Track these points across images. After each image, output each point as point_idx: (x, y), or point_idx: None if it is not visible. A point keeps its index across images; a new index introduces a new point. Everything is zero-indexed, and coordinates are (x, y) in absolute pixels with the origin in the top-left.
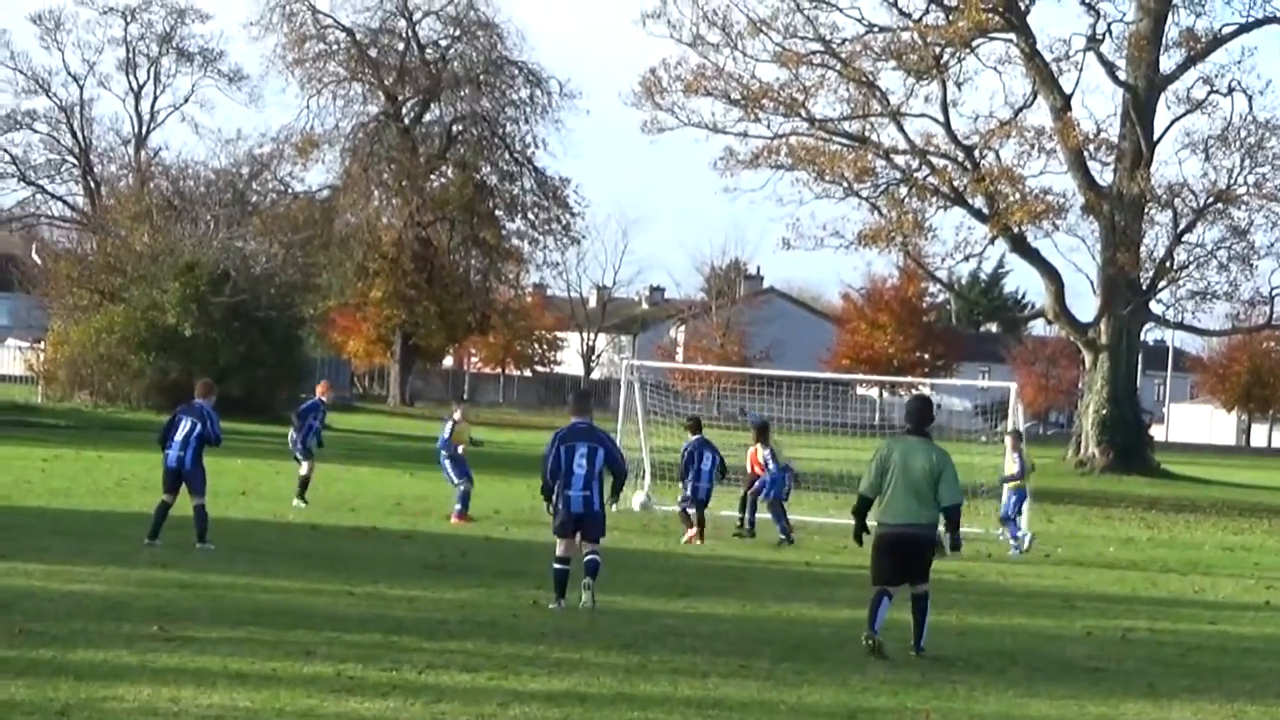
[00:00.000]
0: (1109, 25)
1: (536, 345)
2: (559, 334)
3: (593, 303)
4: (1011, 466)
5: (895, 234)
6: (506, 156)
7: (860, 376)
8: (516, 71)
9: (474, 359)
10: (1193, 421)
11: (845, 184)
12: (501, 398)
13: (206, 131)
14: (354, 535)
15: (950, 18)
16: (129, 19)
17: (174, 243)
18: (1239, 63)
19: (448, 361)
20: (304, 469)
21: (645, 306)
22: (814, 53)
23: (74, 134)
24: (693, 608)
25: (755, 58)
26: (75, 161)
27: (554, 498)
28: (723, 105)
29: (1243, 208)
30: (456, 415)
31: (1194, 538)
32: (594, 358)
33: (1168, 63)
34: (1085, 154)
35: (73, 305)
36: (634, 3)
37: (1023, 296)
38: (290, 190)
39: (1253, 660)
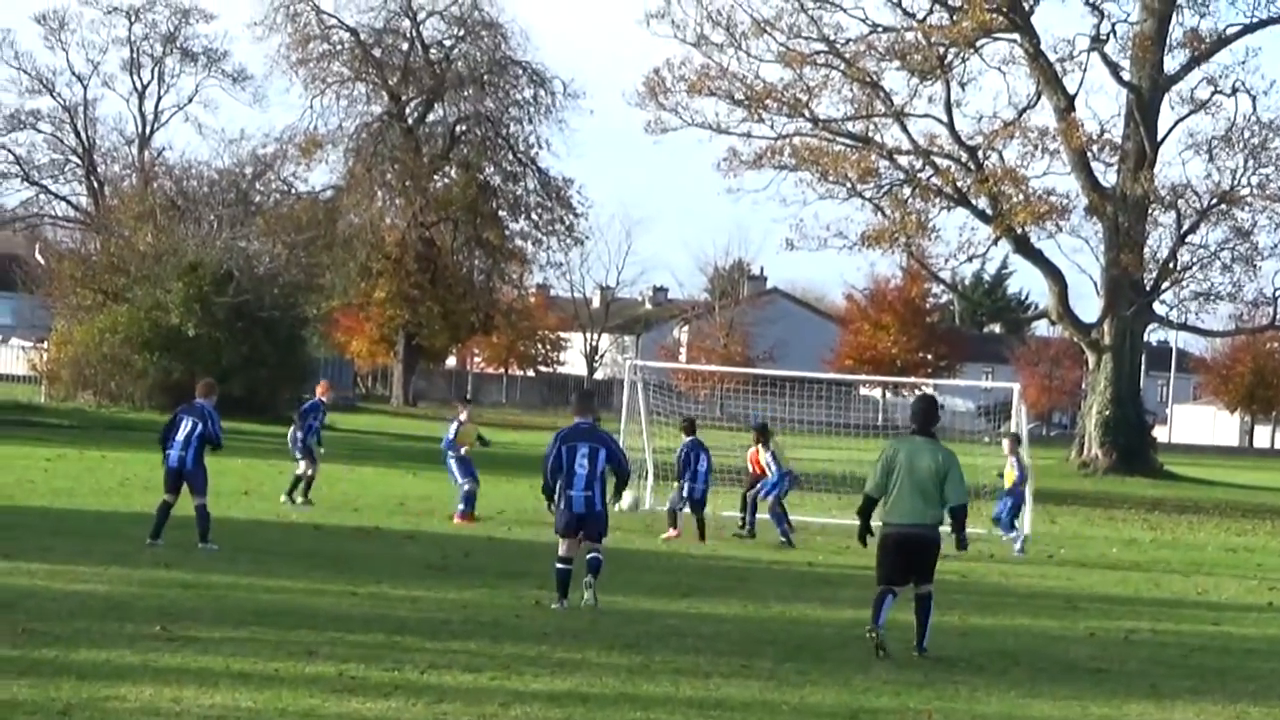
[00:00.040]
0: (1113, 26)
1: (540, 345)
2: (562, 334)
3: (596, 303)
4: (1012, 472)
5: (899, 235)
6: (510, 157)
7: (864, 377)
8: (520, 71)
9: (477, 359)
10: (1196, 422)
11: (849, 184)
12: (504, 398)
13: (210, 131)
14: (357, 535)
15: (954, 18)
16: (133, 19)
17: (177, 243)
18: (1243, 63)
19: (451, 362)
20: (300, 468)
21: (649, 307)
22: (818, 53)
23: (78, 134)
24: (695, 608)
25: (759, 58)
26: (79, 161)
27: (556, 497)
28: (726, 105)
29: (1246, 209)
30: (462, 416)
31: (1197, 539)
32: (597, 358)
33: (1172, 63)
34: (1089, 155)
35: (76, 305)
36: (638, 3)
37: (1026, 297)
38: (294, 190)
39: (1256, 661)
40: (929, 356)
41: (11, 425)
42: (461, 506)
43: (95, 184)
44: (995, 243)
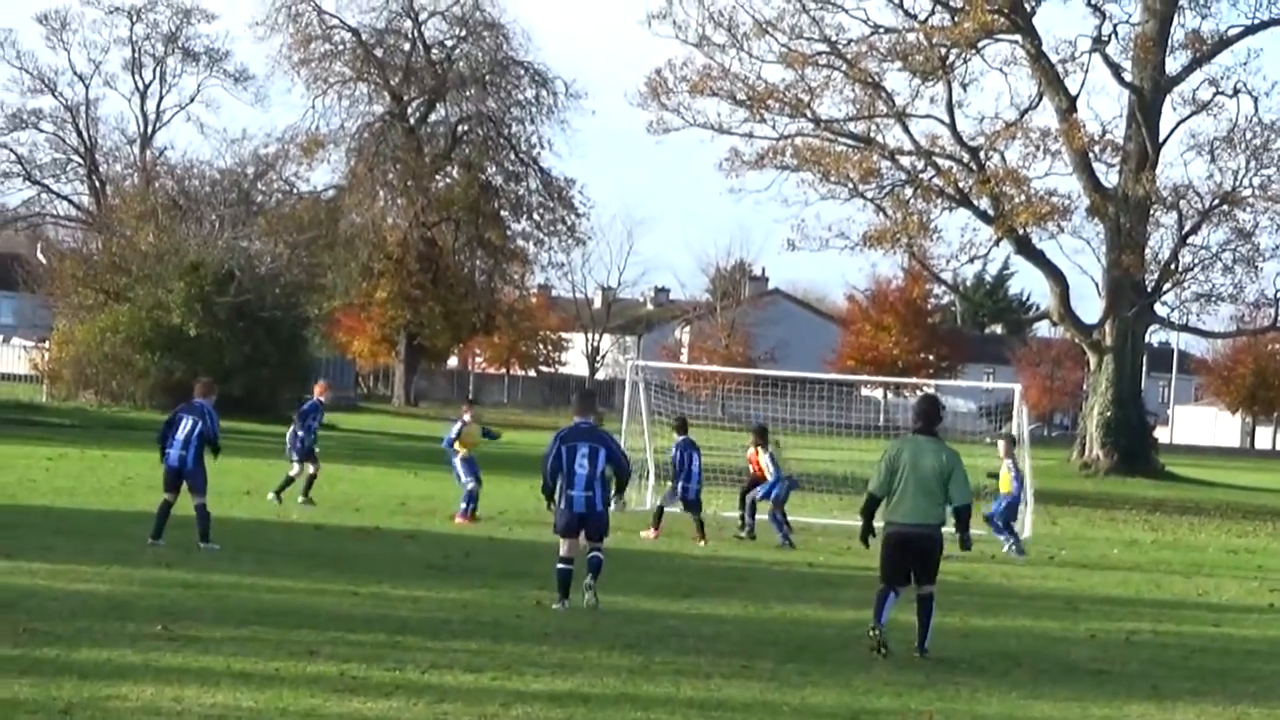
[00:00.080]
0: (1115, 27)
1: (541, 346)
2: (564, 334)
3: (598, 303)
4: (1008, 475)
5: (900, 235)
6: (512, 157)
7: (865, 378)
8: (522, 72)
9: (479, 359)
10: (1197, 424)
11: (850, 185)
12: (506, 398)
13: (212, 131)
14: (359, 535)
15: (956, 19)
16: (135, 19)
17: (179, 242)
18: (1245, 64)
19: (452, 362)
20: (294, 470)
21: (650, 307)
22: (819, 53)
23: (79, 133)
24: (696, 609)
25: (761, 58)
26: (80, 161)
27: (556, 497)
28: (728, 106)
29: (1248, 210)
30: (466, 417)
31: (1198, 540)
32: (599, 358)
33: (1173, 64)
34: (1090, 155)
35: (78, 305)
36: (640, 3)
37: (1027, 298)
38: (295, 190)
39: (1256, 663)
40: (930, 357)
41: (13, 424)
42: (463, 505)
43: (97, 183)
44: (997, 243)
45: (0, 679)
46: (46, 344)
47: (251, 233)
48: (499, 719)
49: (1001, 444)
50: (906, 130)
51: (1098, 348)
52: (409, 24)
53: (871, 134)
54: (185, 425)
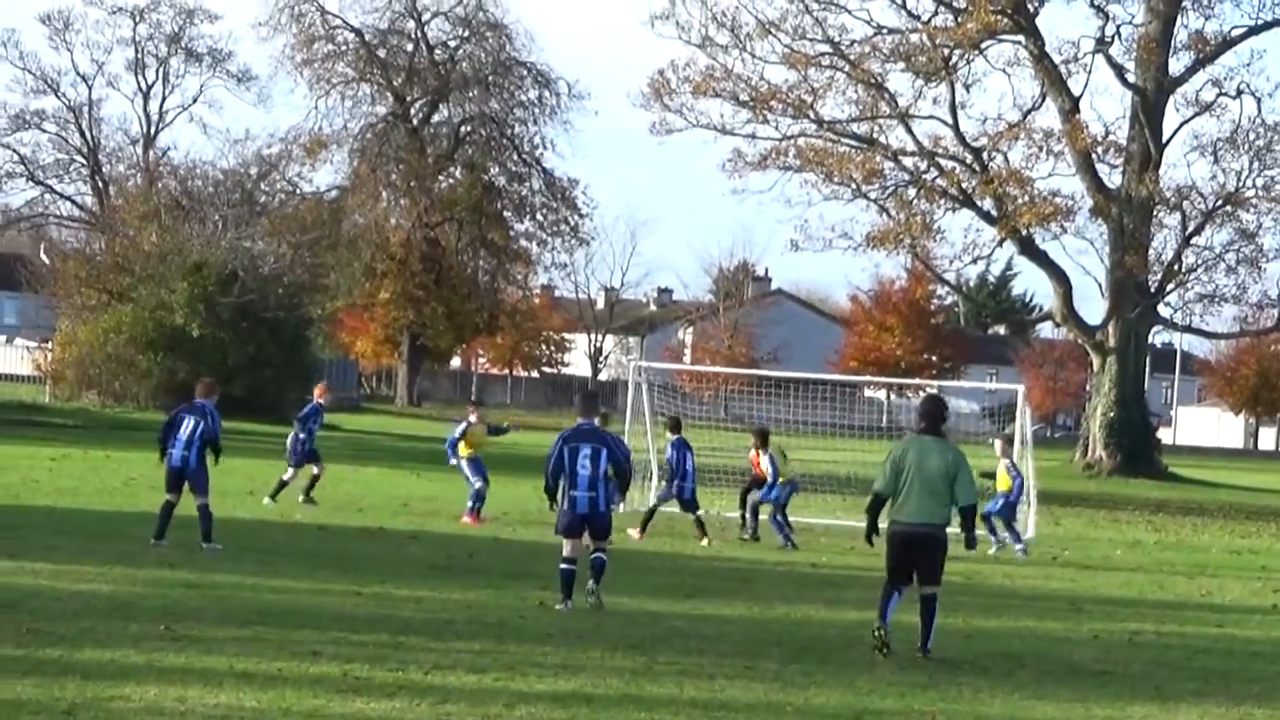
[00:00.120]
0: (1118, 28)
1: (544, 346)
2: (567, 335)
3: (601, 304)
4: (1005, 475)
5: (903, 236)
6: (515, 157)
7: (868, 379)
8: (525, 72)
9: (482, 360)
10: (1200, 424)
11: (853, 186)
12: (509, 398)
13: (215, 132)
14: (361, 536)
15: (959, 20)
16: (138, 19)
17: (182, 243)
18: (1248, 65)
19: (455, 362)
20: (289, 474)
21: (653, 308)
22: (822, 54)
23: (82, 134)
24: (699, 609)
25: (764, 59)
26: (84, 161)
27: (559, 498)
28: (731, 107)
29: (1251, 210)
30: (472, 417)
31: (1201, 541)
32: (602, 359)
33: (1176, 65)
34: (1094, 156)
35: (81, 305)
36: (643, 4)
37: (1030, 299)
38: (298, 191)
39: (1259, 663)
40: (933, 358)
41: (16, 425)
42: (470, 505)
43: (100, 184)
44: (1000, 244)
45: (3, 679)
46: (49, 344)
47: (254, 233)
48: (502, 719)
49: (998, 443)
50: (910, 131)
51: (1101, 348)
52: (412, 24)
53: (874, 135)
54: (187, 425)
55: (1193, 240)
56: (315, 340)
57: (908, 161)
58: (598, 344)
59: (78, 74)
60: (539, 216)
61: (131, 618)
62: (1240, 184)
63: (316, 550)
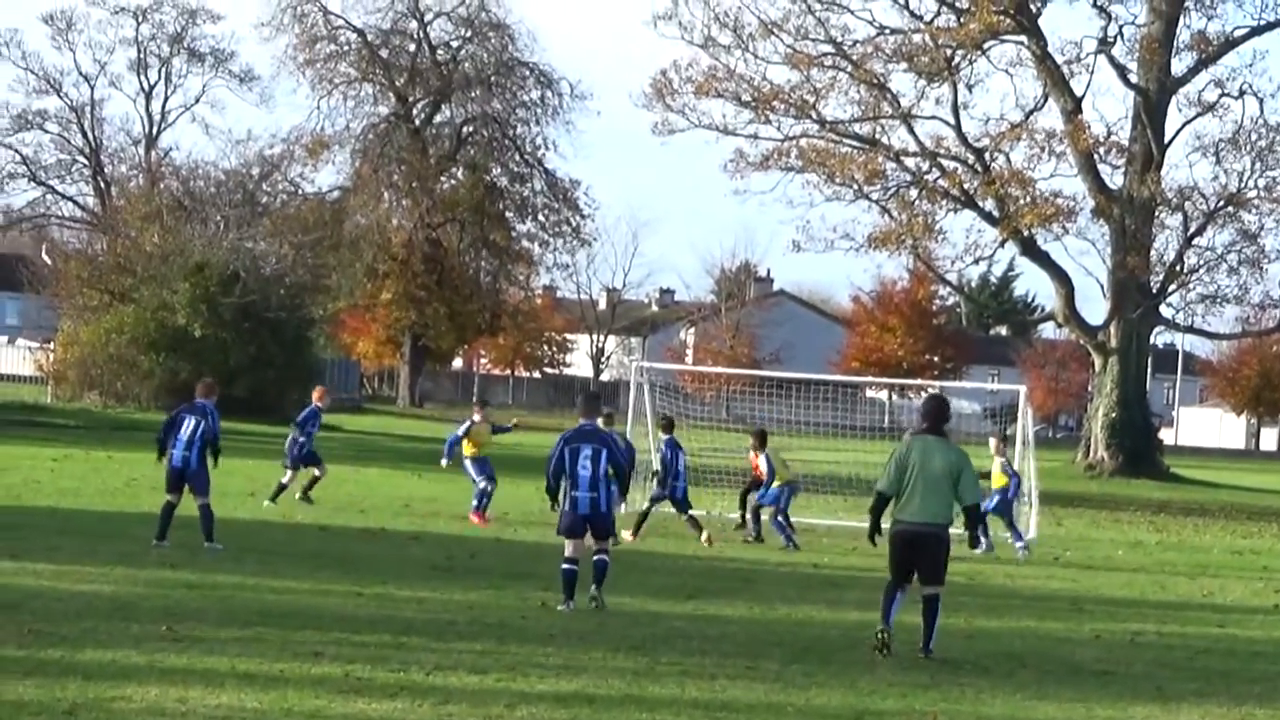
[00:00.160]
0: (1120, 28)
1: (546, 347)
2: (569, 336)
3: (603, 305)
4: (1000, 474)
5: (905, 236)
6: (517, 158)
7: (870, 379)
8: (527, 73)
9: (483, 360)
10: (1202, 425)
11: (855, 186)
12: (511, 399)
13: (217, 132)
14: (363, 536)
15: (961, 20)
16: (140, 19)
17: (184, 243)
18: (1250, 66)
19: (457, 363)
20: (286, 476)
21: (655, 309)
22: (825, 55)
23: (85, 134)
24: (701, 610)
25: (766, 59)
26: (86, 162)
27: (561, 498)
28: (733, 107)
29: (1253, 211)
30: (476, 417)
31: (1203, 541)
32: (603, 360)
33: (1179, 66)
34: (1096, 157)
35: (82, 305)
36: (645, 4)
37: (1032, 300)
38: (300, 191)
39: (1261, 664)
40: (935, 359)
41: (18, 425)
42: (475, 504)
43: (102, 184)
44: (1002, 245)
45: (5, 680)
46: (51, 345)
47: (256, 234)
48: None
49: (993, 441)
50: (912, 132)
51: (1103, 349)
52: (414, 25)
53: (877, 135)
54: (188, 426)
55: (1194, 241)
56: (317, 341)
57: (910, 162)
58: (600, 345)
59: (80, 74)
60: (541, 217)
61: (133, 618)
62: (1242, 184)
63: (318, 551)
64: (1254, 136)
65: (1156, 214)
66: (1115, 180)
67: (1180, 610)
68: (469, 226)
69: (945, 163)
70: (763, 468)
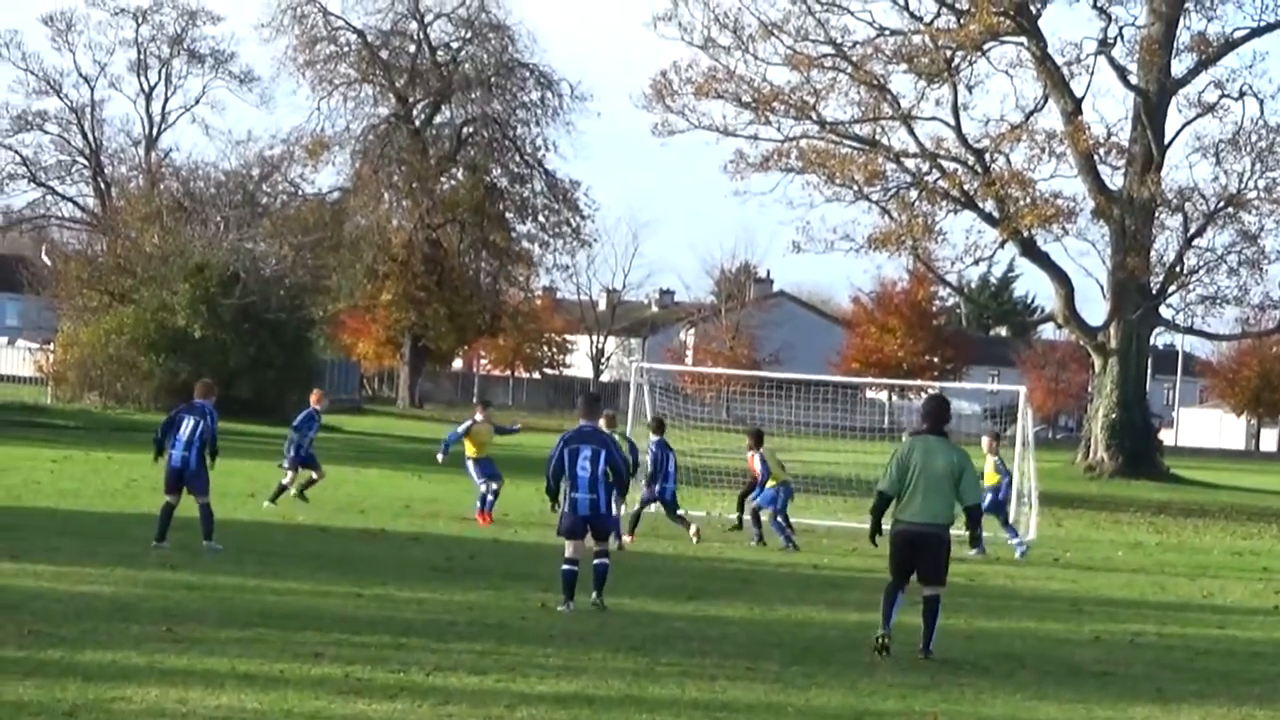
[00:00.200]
0: (1120, 29)
1: (546, 348)
2: (569, 337)
3: (602, 305)
4: (992, 471)
5: (905, 237)
6: (517, 159)
7: (870, 380)
8: (527, 74)
9: (483, 361)
10: (1202, 426)
11: (855, 187)
12: (511, 400)
13: (217, 133)
14: (362, 537)
15: (961, 21)
16: (140, 20)
17: (184, 244)
18: (1250, 67)
19: (457, 364)
20: (286, 478)
21: (655, 309)
22: (825, 56)
23: (85, 135)
24: (701, 610)
25: (766, 60)
26: (86, 163)
27: (561, 499)
28: (733, 108)
29: (1253, 212)
30: (479, 417)
31: (1203, 542)
32: (603, 360)
33: (1179, 67)
34: (1096, 158)
35: (82, 306)
36: (645, 5)
37: (1032, 300)
38: (300, 192)
39: (1261, 665)
40: (935, 359)
41: (18, 426)
42: (479, 506)
43: (102, 185)
44: (1002, 246)
45: (5, 681)
46: (51, 346)
47: (256, 235)
48: None
49: (985, 440)
50: (912, 133)
51: (1102, 350)
52: (414, 26)
53: (877, 136)
54: (187, 426)
55: (1194, 242)
56: (317, 342)
57: (910, 163)
58: (599, 345)
59: (80, 75)
60: (541, 218)
61: (133, 619)
62: (1242, 185)
63: (318, 552)
64: (1254, 138)
65: (1156, 215)
66: (1115, 181)
67: (1180, 611)
68: (469, 227)
69: (945, 164)
70: (757, 467)
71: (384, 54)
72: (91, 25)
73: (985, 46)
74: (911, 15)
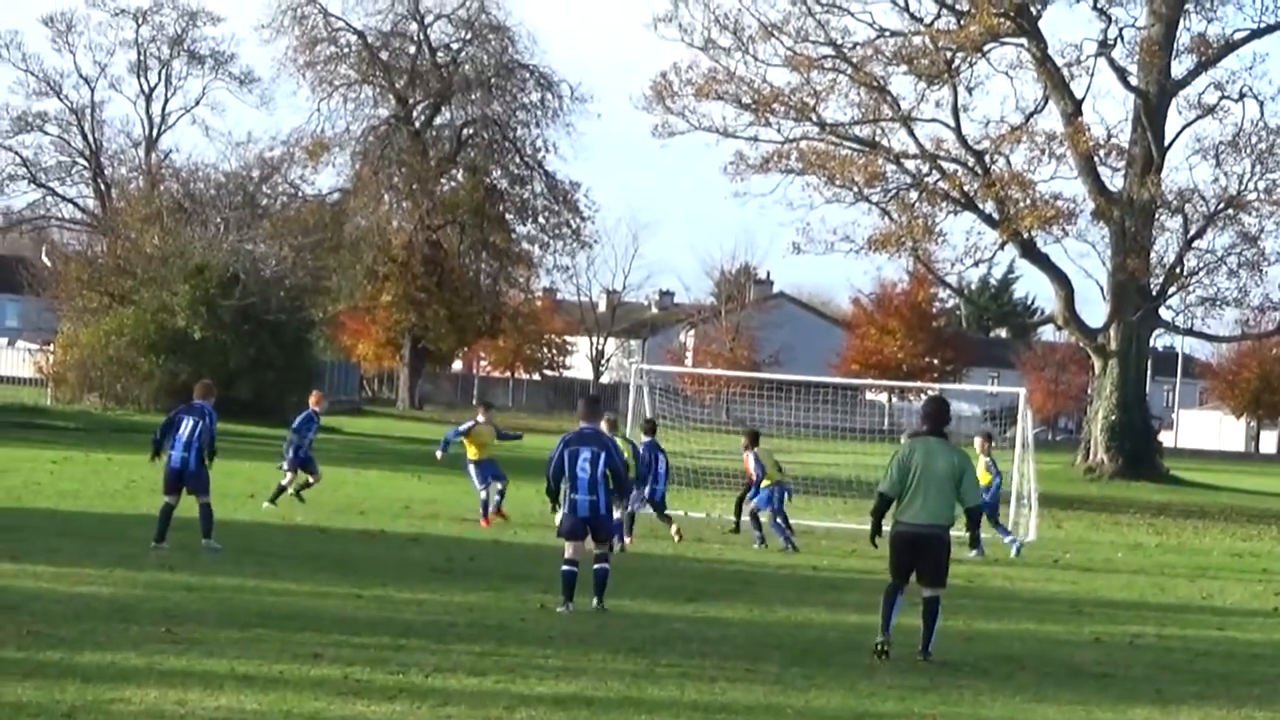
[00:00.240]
0: (1120, 30)
1: (546, 349)
2: (568, 338)
3: (602, 307)
4: (987, 474)
5: (905, 239)
6: (517, 160)
7: (870, 381)
8: (527, 75)
9: (483, 363)
10: (1202, 427)
11: (855, 189)
12: (511, 401)
13: (217, 134)
14: (362, 538)
15: (961, 22)
16: (140, 21)
17: (184, 245)
18: (1250, 69)
19: (457, 365)
20: (286, 479)
21: (655, 311)
22: (825, 57)
23: (85, 136)
24: (701, 612)
25: (766, 62)
26: (86, 164)
27: (561, 500)
28: (733, 109)
29: (1253, 213)
30: (480, 418)
31: (1202, 544)
32: (603, 362)
33: (1179, 68)
34: (1096, 159)
35: (82, 308)
36: (645, 6)
37: (1032, 302)
38: (300, 193)
39: (1260, 666)
40: (935, 361)
41: (18, 427)
42: (482, 511)
43: (102, 186)
44: (1002, 247)
45: (4, 681)
46: (51, 347)
47: (256, 236)
48: None
49: (978, 440)
50: (912, 134)
51: (1102, 352)
52: (414, 27)
53: (877, 138)
54: (186, 426)
55: (1194, 243)
56: (317, 343)
57: (910, 164)
58: (599, 347)
59: (80, 76)
60: (541, 219)
61: (132, 620)
62: (1242, 187)
63: (317, 553)
64: (1254, 139)
65: (1156, 216)
66: (1115, 183)
67: (1180, 613)
68: (469, 229)
69: (945, 165)
70: (752, 466)
71: (384, 55)
72: (91, 26)
73: (985, 48)
74: (912, 16)
